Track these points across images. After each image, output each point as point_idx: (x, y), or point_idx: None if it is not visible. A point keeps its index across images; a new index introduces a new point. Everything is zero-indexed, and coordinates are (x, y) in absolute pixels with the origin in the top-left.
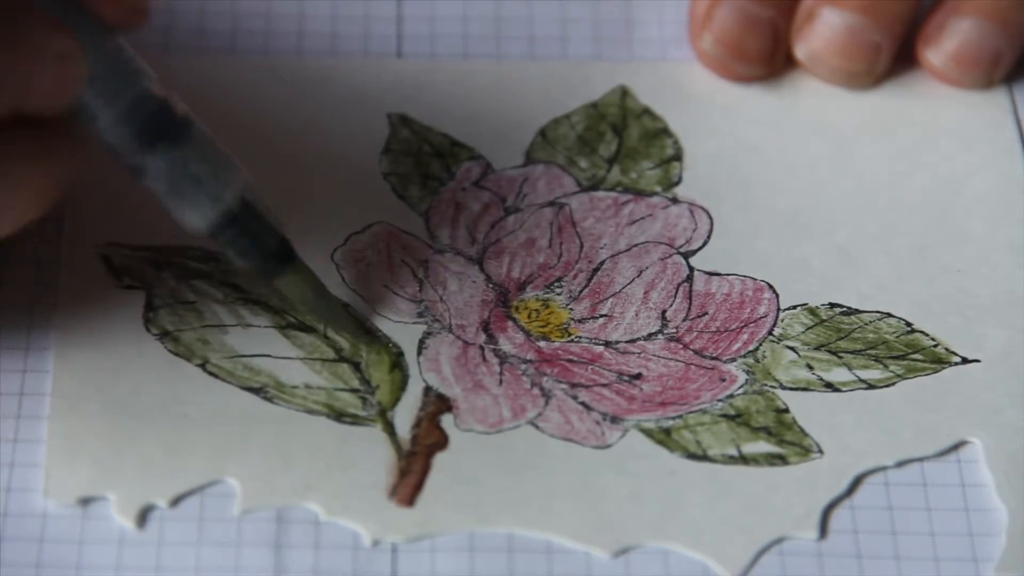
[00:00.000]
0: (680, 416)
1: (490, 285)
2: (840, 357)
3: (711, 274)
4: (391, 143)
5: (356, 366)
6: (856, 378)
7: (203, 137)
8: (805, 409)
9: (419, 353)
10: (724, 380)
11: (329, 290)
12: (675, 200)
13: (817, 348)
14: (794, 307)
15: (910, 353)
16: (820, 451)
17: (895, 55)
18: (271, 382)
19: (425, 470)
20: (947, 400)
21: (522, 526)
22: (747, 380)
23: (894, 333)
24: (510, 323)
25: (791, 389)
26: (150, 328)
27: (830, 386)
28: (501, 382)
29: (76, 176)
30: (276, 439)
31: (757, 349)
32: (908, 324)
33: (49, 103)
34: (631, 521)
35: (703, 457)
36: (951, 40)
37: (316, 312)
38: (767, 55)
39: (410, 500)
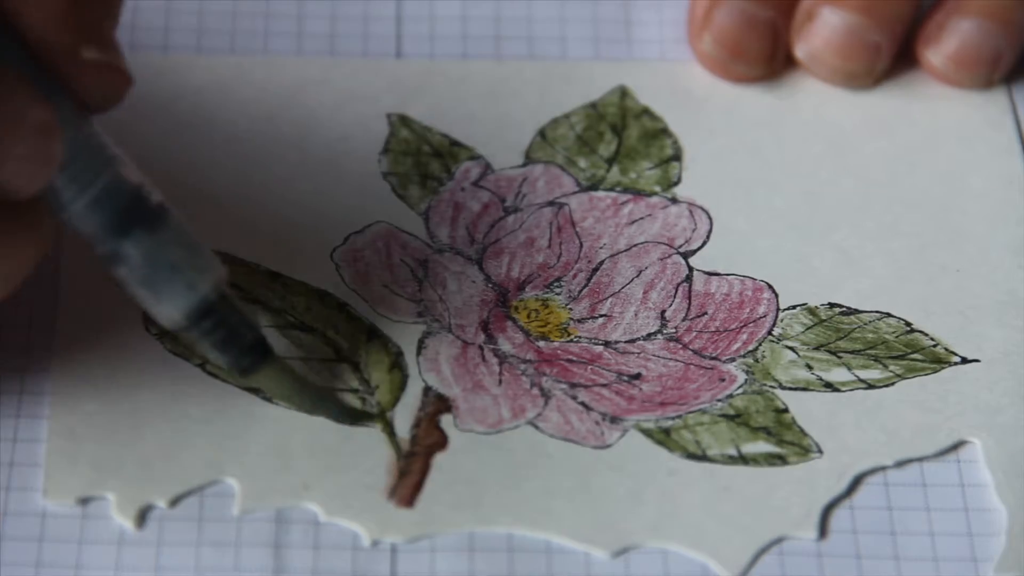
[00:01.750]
0: (679, 416)
1: (489, 285)
2: (839, 357)
3: (710, 274)
4: (390, 143)
5: (356, 366)
6: (856, 378)
7: (179, 225)
8: (804, 409)
9: (418, 353)
10: (723, 380)
11: (307, 381)
12: (674, 200)
13: (817, 348)
14: (793, 307)
15: (909, 353)
16: (820, 451)
17: (895, 55)
18: None
19: (425, 470)
20: (947, 400)
21: (522, 526)
22: (746, 380)
23: (894, 333)
24: (509, 323)
25: (790, 389)
26: (150, 328)
27: (829, 386)
28: (500, 382)
29: (41, 259)
30: (275, 439)
31: (756, 349)
32: (908, 324)
33: (22, 181)
34: (630, 521)
35: (702, 457)
36: (951, 40)
37: (299, 404)
38: (767, 55)
39: (409, 500)
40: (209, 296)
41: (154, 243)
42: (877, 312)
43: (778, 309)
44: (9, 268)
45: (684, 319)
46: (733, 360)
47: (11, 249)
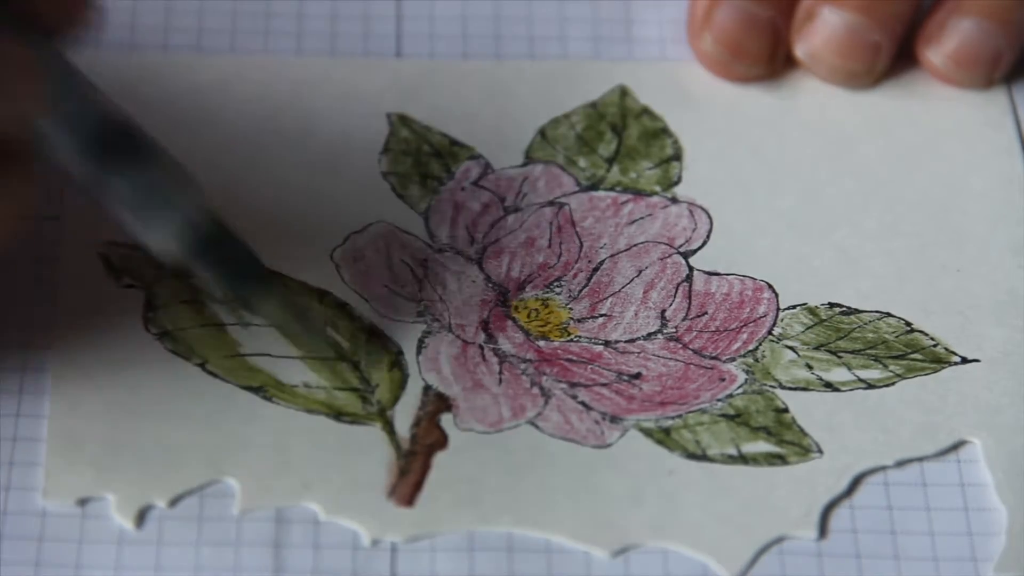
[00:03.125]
0: (679, 416)
1: (489, 284)
2: (839, 357)
3: (710, 274)
4: (390, 143)
5: (355, 365)
6: (856, 378)
7: (167, 156)
8: (804, 409)
9: (418, 352)
10: (723, 380)
11: (307, 311)
12: (674, 200)
13: (817, 348)
14: (793, 307)
15: (910, 353)
16: (820, 451)
17: (895, 55)
18: (270, 381)
19: (425, 469)
20: (947, 400)
21: (521, 526)
22: (746, 380)
23: (894, 333)
24: (509, 323)
25: (790, 389)
26: (150, 327)
27: (829, 386)
28: (501, 381)
29: (30, 210)
30: (275, 439)
31: (756, 349)
32: (908, 324)
33: (9, 124)
34: (630, 521)
35: (702, 457)
36: (951, 40)
37: (294, 335)
38: (767, 55)
39: (409, 499)
40: (202, 224)
41: (144, 173)
42: (877, 312)
43: (778, 309)
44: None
45: (684, 319)
46: (733, 360)
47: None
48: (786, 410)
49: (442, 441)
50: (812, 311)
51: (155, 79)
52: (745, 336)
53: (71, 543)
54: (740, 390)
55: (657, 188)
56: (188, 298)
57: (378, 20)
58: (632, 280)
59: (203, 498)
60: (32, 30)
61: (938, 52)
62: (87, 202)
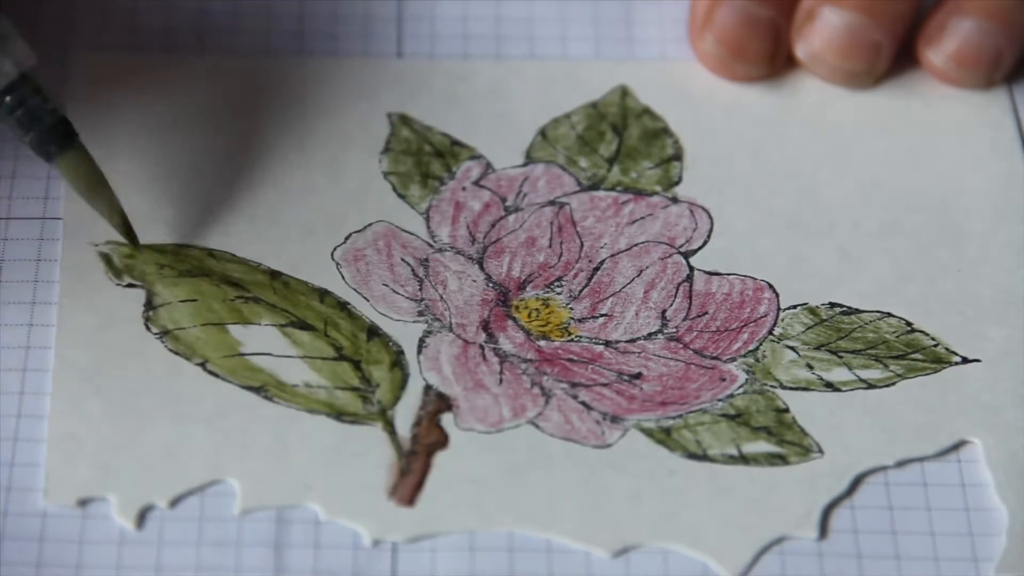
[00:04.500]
0: (680, 416)
1: (490, 284)
2: (840, 357)
3: (711, 274)
4: (391, 143)
5: (356, 365)
6: (856, 378)
7: None
8: (805, 409)
9: (419, 352)
10: (724, 380)
11: (106, 182)
12: (675, 200)
13: (817, 348)
14: (794, 307)
15: (910, 353)
16: (820, 451)
17: (895, 55)
18: (271, 381)
19: (425, 469)
20: (947, 400)
21: (522, 525)
22: (747, 380)
23: (894, 333)
24: (510, 322)
25: (791, 389)
26: (150, 327)
27: (830, 386)
28: (501, 381)
29: None
30: (276, 439)
31: (757, 349)
32: (908, 324)
33: None
34: (631, 521)
35: (703, 457)
36: (951, 40)
37: (89, 199)
38: (767, 55)
39: (410, 499)
40: (11, 74)
41: None
42: (878, 312)
43: (779, 309)
44: None
45: (685, 319)
46: (734, 360)
47: None
48: (787, 410)
49: (443, 441)
50: (813, 311)
51: (156, 79)
52: (746, 336)
53: (72, 543)
54: (741, 390)
55: (658, 188)
56: (188, 298)
57: (379, 20)
58: (633, 280)
59: (203, 498)
60: None
61: (939, 52)
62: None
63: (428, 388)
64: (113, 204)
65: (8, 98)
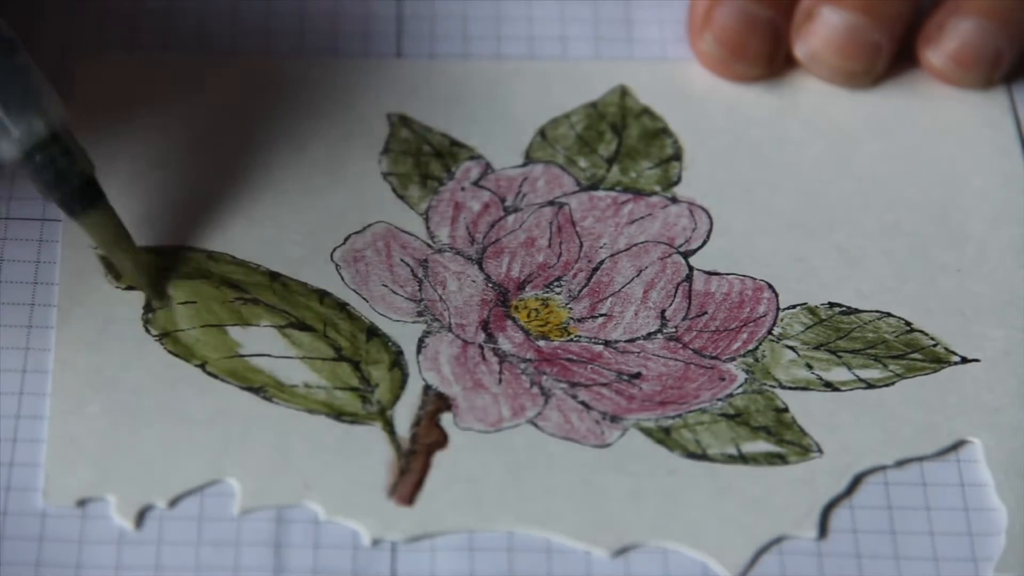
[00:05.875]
0: (679, 415)
1: (489, 284)
2: (839, 356)
3: (710, 273)
4: (391, 143)
5: (356, 365)
6: (856, 377)
7: (25, 63)
8: (804, 408)
9: (418, 352)
10: (723, 379)
11: (130, 240)
12: (674, 199)
13: (816, 347)
14: (793, 306)
15: (909, 352)
16: (820, 450)
17: (895, 55)
18: (271, 381)
19: (425, 469)
20: (947, 400)
21: (522, 525)
22: (746, 379)
23: (893, 332)
24: (509, 322)
25: (790, 388)
26: (149, 328)
27: (829, 385)
28: (500, 381)
29: None
30: (276, 439)
31: (756, 348)
32: (907, 323)
33: None
34: (631, 520)
35: (703, 456)
36: (951, 40)
37: (112, 255)
38: (767, 55)
39: (410, 499)
40: (43, 133)
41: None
42: (877, 312)
43: (778, 308)
44: None
45: (684, 318)
46: (733, 359)
47: None
48: (786, 410)
49: (442, 441)
50: (812, 311)
51: (156, 79)
52: (745, 336)
53: (71, 543)
54: (740, 390)
55: (657, 188)
56: (188, 300)
57: (379, 20)
58: (632, 280)
59: (203, 498)
60: None
61: (938, 52)
62: None
63: (427, 388)
64: (138, 261)
65: (37, 157)
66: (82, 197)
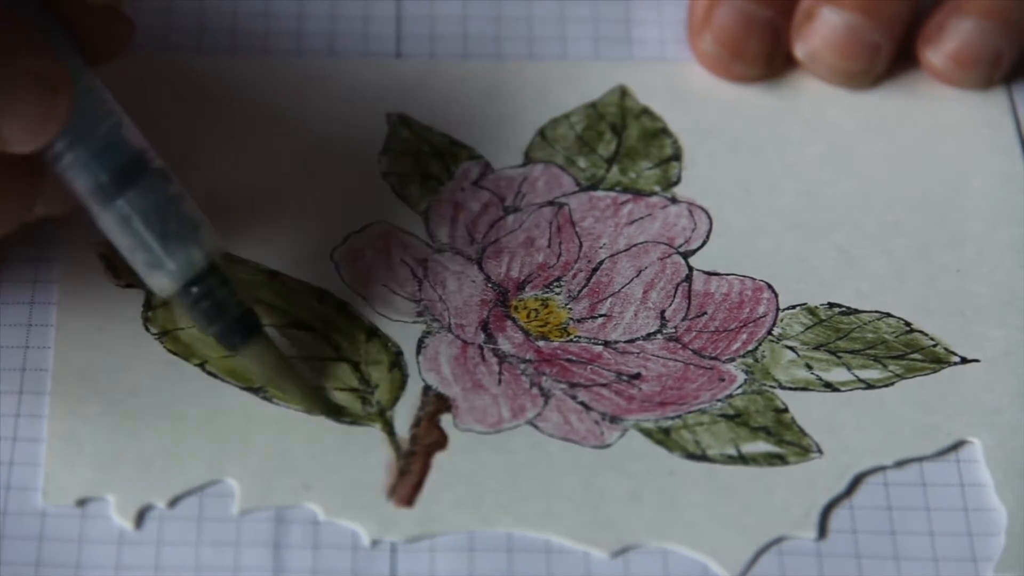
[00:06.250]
0: (679, 416)
1: (489, 285)
2: (839, 357)
3: (710, 274)
4: (390, 143)
5: (355, 365)
6: (855, 378)
7: (179, 193)
8: (804, 409)
9: (418, 352)
10: (723, 380)
11: (292, 367)
12: (674, 200)
13: (816, 348)
14: (793, 307)
15: (909, 353)
16: (819, 451)
17: (895, 55)
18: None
19: (424, 470)
20: (946, 400)
21: (521, 526)
22: (746, 380)
23: (893, 333)
24: (509, 323)
25: (790, 389)
26: (149, 327)
27: (829, 386)
28: (500, 382)
29: (27, 212)
30: (275, 439)
31: (756, 349)
32: (907, 324)
33: (26, 136)
34: (630, 521)
35: (702, 457)
36: (951, 40)
37: (276, 385)
38: (767, 55)
39: (409, 500)
40: (200, 264)
41: (151, 207)
42: (877, 312)
43: (778, 309)
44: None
45: (684, 319)
46: (733, 360)
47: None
48: (786, 410)
49: (442, 441)
50: (812, 311)
51: (156, 79)
52: (745, 336)
53: (71, 543)
54: (740, 390)
55: (657, 188)
56: None
57: (378, 20)
58: (632, 280)
59: (203, 498)
60: (75, 54)
61: (938, 52)
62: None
63: (427, 388)
64: (303, 388)
65: (195, 289)
66: (241, 329)
